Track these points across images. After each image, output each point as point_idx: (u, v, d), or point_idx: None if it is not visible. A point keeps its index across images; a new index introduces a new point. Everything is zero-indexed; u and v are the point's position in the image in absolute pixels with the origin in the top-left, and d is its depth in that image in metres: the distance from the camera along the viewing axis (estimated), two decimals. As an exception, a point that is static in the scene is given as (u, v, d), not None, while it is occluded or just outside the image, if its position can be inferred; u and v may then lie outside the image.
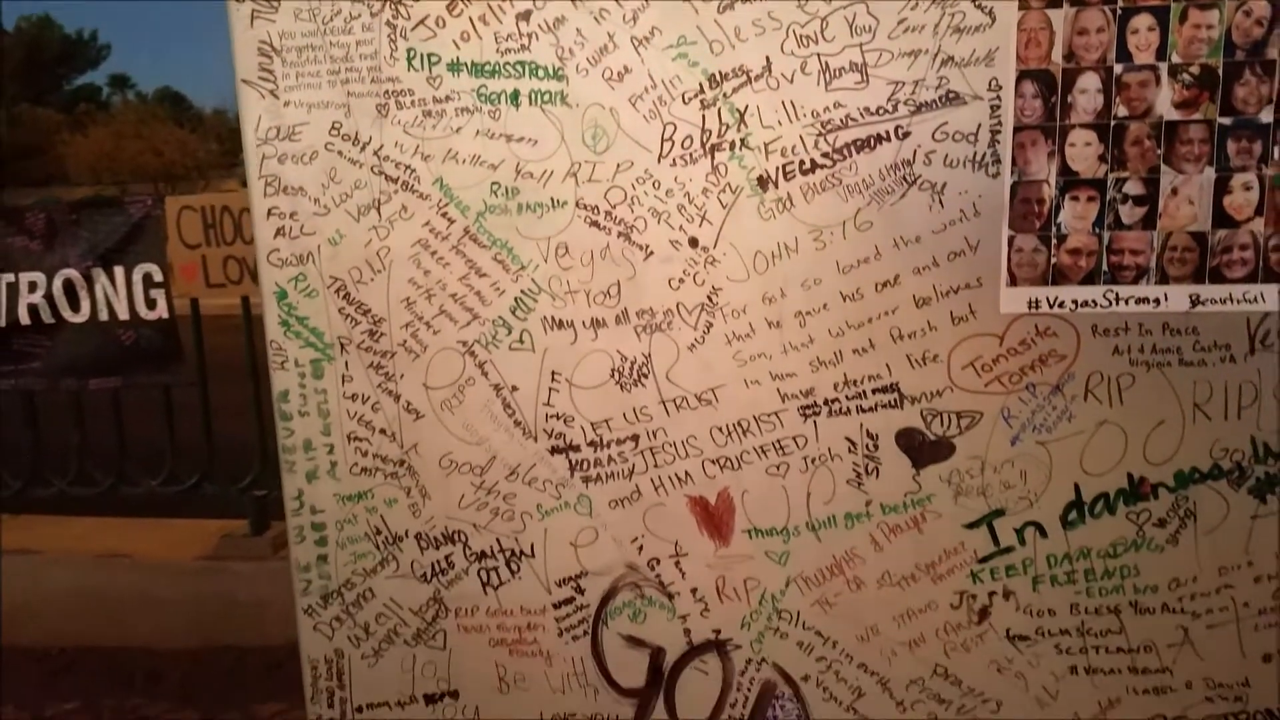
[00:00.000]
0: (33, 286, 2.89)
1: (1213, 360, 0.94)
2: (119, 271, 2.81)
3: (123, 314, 2.83)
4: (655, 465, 1.07)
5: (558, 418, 1.08)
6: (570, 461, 1.09)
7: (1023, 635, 1.01)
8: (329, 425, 1.12)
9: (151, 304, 2.86)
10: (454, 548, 1.13)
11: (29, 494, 3.29)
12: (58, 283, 2.85)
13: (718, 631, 1.08)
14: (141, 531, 3.51)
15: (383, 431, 1.11)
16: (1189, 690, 0.98)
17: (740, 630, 1.08)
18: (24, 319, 2.88)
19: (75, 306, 2.87)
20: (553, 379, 1.08)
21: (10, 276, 2.90)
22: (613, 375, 1.06)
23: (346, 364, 1.09)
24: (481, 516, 1.12)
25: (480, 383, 1.08)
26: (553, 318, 1.05)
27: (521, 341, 1.07)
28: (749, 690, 1.08)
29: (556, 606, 1.12)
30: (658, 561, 1.09)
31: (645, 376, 1.06)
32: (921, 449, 1.02)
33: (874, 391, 1.01)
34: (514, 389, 1.08)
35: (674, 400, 1.06)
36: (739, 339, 1.03)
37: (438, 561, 1.13)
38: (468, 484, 1.12)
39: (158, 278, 2.83)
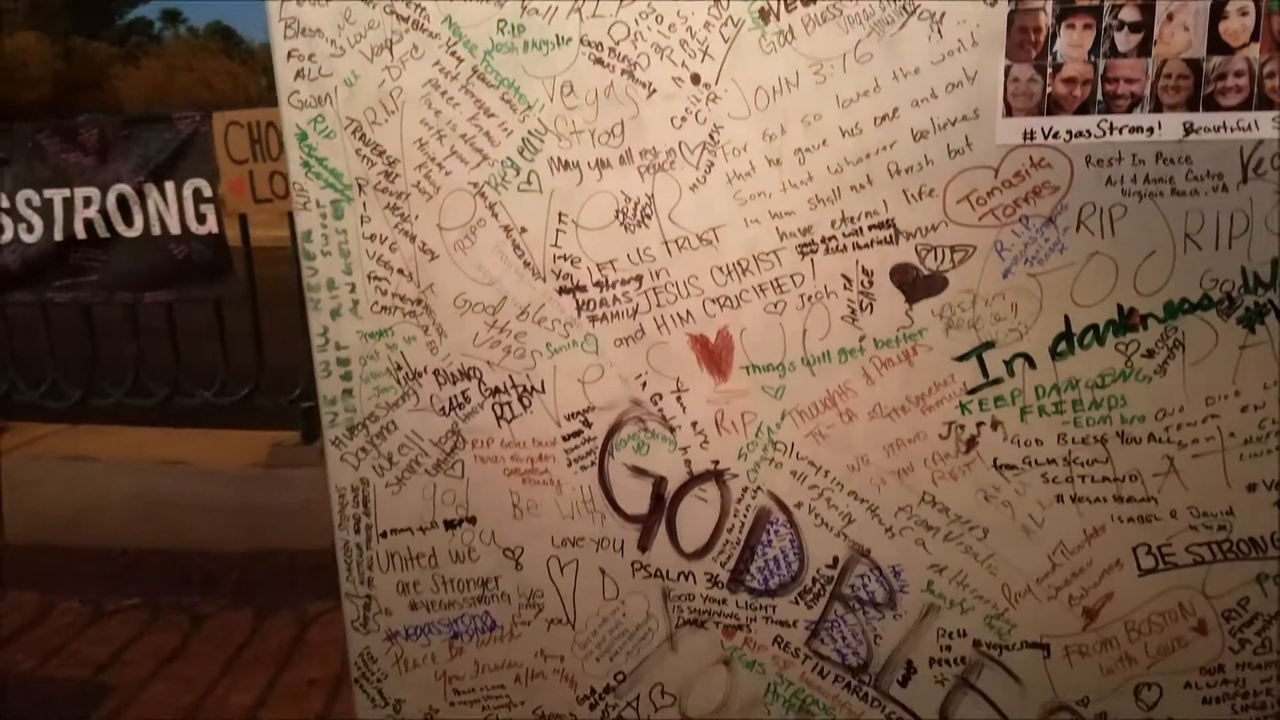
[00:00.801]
0: (88, 201, 3.00)
1: (1205, 190, 0.93)
2: (169, 187, 2.90)
3: (174, 229, 2.93)
4: (658, 305, 1.11)
5: (565, 259, 1.12)
6: (577, 301, 1.13)
7: (1010, 465, 1.03)
8: (349, 265, 1.18)
9: (201, 219, 2.95)
10: (470, 383, 1.18)
11: (88, 404, 3.47)
12: (111, 198, 2.95)
13: (716, 462, 1.13)
14: (196, 441, 3.67)
15: (400, 271, 1.17)
16: (1173, 519, 1.00)
17: (737, 461, 1.12)
18: (80, 234, 3.00)
19: (129, 221, 2.97)
20: (559, 220, 1.11)
21: (66, 191, 3.01)
22: (617, 216, 1.09)
23: (364, 205, 1.14)
24: (495, 354, 1.17)
25: (491, 224, 1.12)
26: (559, 159, 1.08)
27: (529, 183, 1.10)
28: (745, 516, 1.13)
29: (566, 439, 1.17)
30: (660, 397, 1.13)
31: (648, 217, 1.08)
32: (915, 284, 1.04)
33: (870, 228, 1.03)
34: (523, 230, 1.12)
35: (676, 241, 1.08)
36: (739, 178, 1.05)
37: (455, 396, 1.19)
38: (481, 323, 1.16)
39: (207, 193, 2.92)
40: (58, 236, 3.01)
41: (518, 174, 1.09)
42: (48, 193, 2.98)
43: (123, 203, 2.94)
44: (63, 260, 3.09)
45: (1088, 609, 1.03)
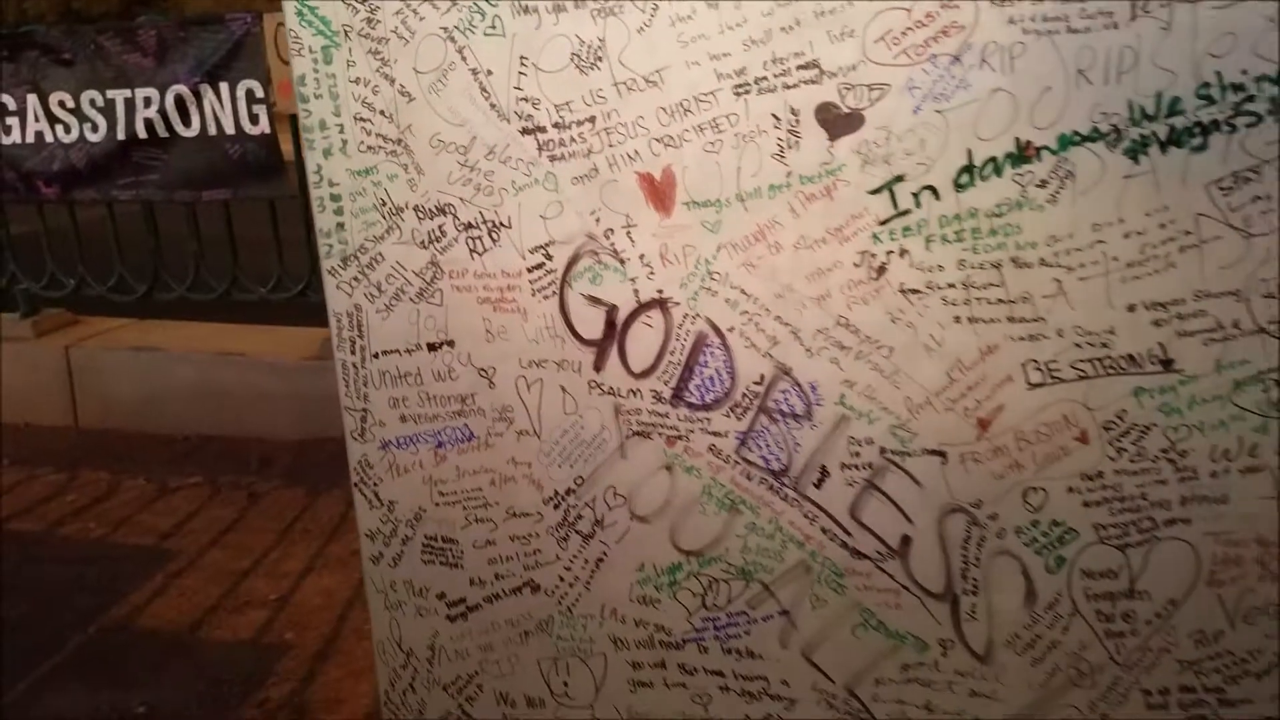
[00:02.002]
0: (147, 102, 3.13)
1: (1096, 27, 0.99)
2: (224, 88, 3.02)
3: (229, 129, 3.05)
4: (609, 145, 1.20)
5: (526, 100, 1.22)
6: (538, 142, 1.23)
7: (914, 289, 1.12)
8: (339, 107, 1.29)
9: (254, 119, 3.06)
10: (445, 218, 1.30)
11: (153, 297, 3.68)
12: (169, 98, 3.08)
13: (660, 291, 1.22)
14: (253, 335, 3.88)
15: (382, 113, 1.28)
16: (1060, 338, 1.08)
17: (679, 290, 1.22)
18: (141, 133, 3.14)
19: (186, 122, 3.11)
20: (521, 63, 1.21)
21: (127, 92, 3.14)
22: (572, 59, 1.19)
23: (350, 50, 1.25)
24: (466, 191, 1.28)
25: (460, 67, 1.22)
26: (519, 3, 1.16)
27: (494, 27, 1.18)
28: (685, 340, 1.23)
29: (530, 270, 1.29)
30: (612, 231, 1.23)
31: (600, 60, 1.17)
32: (836, 121, 1.12)
33: (797, 69, 1.10)
34: (489, 73, 1.22)
35: (625, 82, 1.17)
36: (682, 20, 1.12)
37: (433, 230, 1.31)
38: (454, 162, 1.27)
39: (259, 94, 3.02)
40: (120, 136, 3.15)
41: (483, 18, 1.18)
42: (110, 93, 3.12)
43: (180, 103, 3.06)
44: (126, 159, 3.24)
45: (981, 420, 1.13)
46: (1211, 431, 1.04)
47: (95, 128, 3.21)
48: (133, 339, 4.02)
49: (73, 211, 3.54)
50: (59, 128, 3.23)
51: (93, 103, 3.18)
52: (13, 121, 3.28)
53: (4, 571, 2.99)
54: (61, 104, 3.21)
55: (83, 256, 3.69)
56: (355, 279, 1.33)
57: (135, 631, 2.73)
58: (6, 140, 3.30)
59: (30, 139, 3.27)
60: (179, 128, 3.12)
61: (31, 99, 3.23)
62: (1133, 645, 1.13)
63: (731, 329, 1.19)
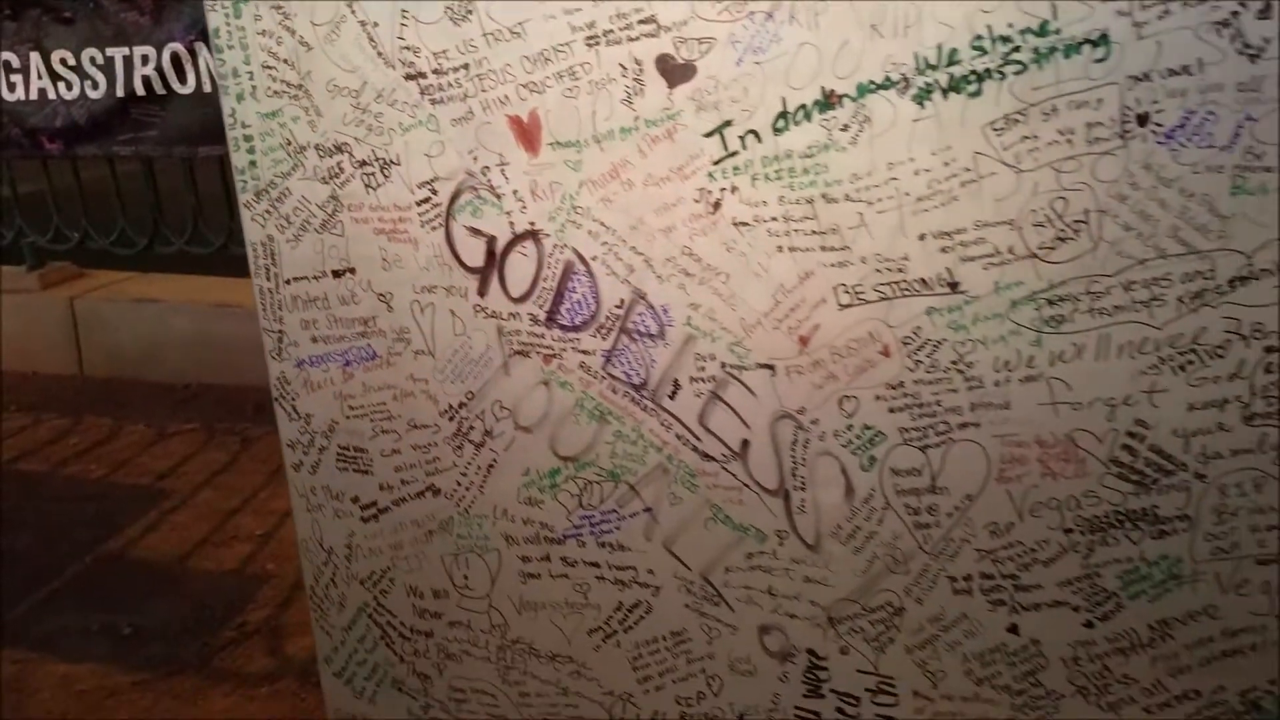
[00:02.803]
0: (145, 59, 3.25)
1: (885, -14, 1.14)
2: None
3: None
4: (483, 90, 1.36)
5: (408, 49, 1.37)
6: (420, 86, 1.39)
7: (744, 222, 1.28)
8: (248, 56, 1.44)
9: None
10: (342, 156, 1.46)
11: (153, 251, 3.83)
12: (166, 56, 3.19)
13: (532, 223, 1.39)
14: (249, 287, 4.05)
15: (285, 61, 1.42)
16: (863, 264, 1.24)
17: (549, 222, 1.39)
18: (139, 90, 3.26)
19: (183, 79, 3.22)
20: (403, 16, 1.35)
21: (125, 49, 3.26)
22: (446, 12, 1.33)
23: (257, 5, 1.40)
24: (360, 131, 1.43)
25: (350, 20, 1.36)
26: (398, -39, 1.33)
27: (376, -17, 1.35)
28: (555, 268, 1.40)
29: (418, 204, 1.45)
30: (488, 169, 1.39)
31: (470, 13, 1.31)
32: (673, 71, 1.26)
33: (638, 23, 1.24)
34: (375, 25, 1.37)
35: (493, 33, 1.31)
36: (538, -21, 1.28)
37: (332, 167, 1.47)
38: (348, 105, 1.43)
39: None
40: (120, 93, 3.27)
41: (367, -24, 1.34)
42: (110, 51, 3.23)
43: (176, 61, 3.17)
44: (125, 116, 3.36)
45: (802, 337, 1.29)
46: (993, 345, 1.21)
47: (95, 85, 3.32)
48: (135, 291, 4.20)
49: (75, 168, 3.67)
50: (61, 85, 3.35)
51: (93, 60, 3.28)
52: (16, 79, 3.39)
53: (8, 508, 3.24)
54: (63, 61, 3.31)
55: (86, 211, 3.85)
56: (267, 212, 1.50)
57: (128, 562, 2.97)
58: (11, 97, 3.42)
59: (34, 95, 3.39)
60: (175, 85, 3.22)
61: (34, 56, 3.34)
62: (938, 536, 1.31)
63: (595, 258, 1.36)
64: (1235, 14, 1.02)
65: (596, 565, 1.51)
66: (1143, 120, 1.08)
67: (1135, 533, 1.22)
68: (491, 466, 1.51)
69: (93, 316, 4.14)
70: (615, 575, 1.50)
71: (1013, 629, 1.31)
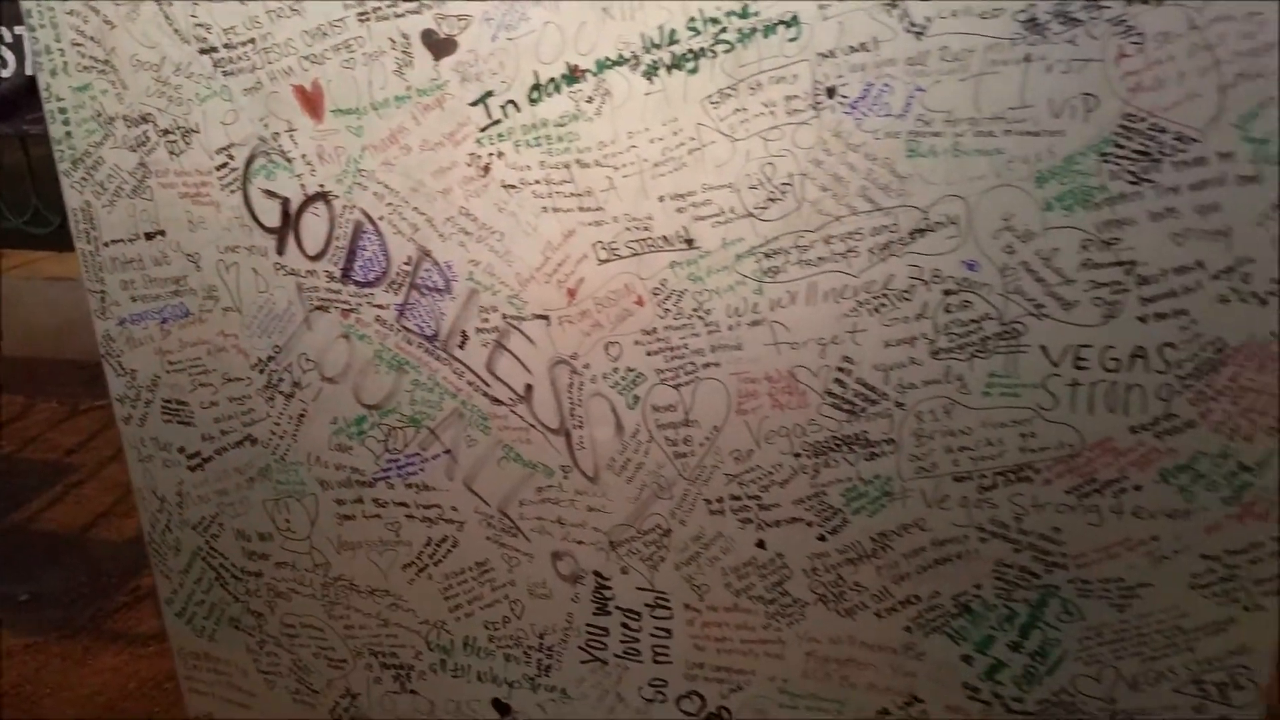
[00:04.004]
0: None
1: (611, -28, 1.30)
2: None
3: None
4: (269, 62, 1.48)
5: (201, 25, 1.49)
6: (213, 60, 1.50)
7: (512, 185, 1.43)
8: (59, 34, 1.54)
9: None
10: (147, 126, 1.58)
11: (66, 230, 3.84)
12: None
13: (322, 185, 1.53)
14: None
15: (92, 38, 1.53)
16: (615, 223, 1.39)
17: (337, 184, 1.52)
18: None
19: None
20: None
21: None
22: (231, -9, 1.47)
23: (57, -15, 1.51)
24: (161, 102, 1.55)
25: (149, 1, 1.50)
26: (181, -56, 1.45)
27: (164, -36, 1.47)
28: (346, 228, 1.54)
29: (218, 169, 1.57)
30: (278, 135, 1.52)
31: (253, -8, 1.46)
32: (437, 45, 1.41)
33: (403, 1, 1.40)
34: (170, 3, 1.49)
35: (275, 10, 1.45)
36: (311, -39, 1.42)
37: (138, 136, 1.58)
38: (150, 78, 1.54)
39: None
40: (29, 71, 3.25)
41: (154, -43, 1.45)
42: (17, 29, 3.22)
43: None
44: (35, 94, 3.34)
45: (569, 290, 1.46)
46: (725, 294, 1.39)
47: (4, 63, 3.31)
48: (51, 270, 4.20)
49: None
50: (-30, 63, 3.32)
51: (1, 38, 3.27)
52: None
53: (-84, 485, 3.26)
54: (-27, 39, 3.29)
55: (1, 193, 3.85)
56: (83, 179, 1.61)
57: (31, 533, 3.07)
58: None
59: None
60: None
61: None
62: (693, 464, 1.49)
63: (381, 217, 1.50)
64: (899, -1, 1.20)
65: (405, 505, 1.67)
66: (831, 92, 1.26)
67: (851, 455, 1.42)
68: (302, 416, 1.66)
69: (11, 296, 4.15)
70: (423, 513, 1.66)
71: (760, 544, 1.50)
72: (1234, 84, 1.11)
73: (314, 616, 1.80)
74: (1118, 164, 1.17)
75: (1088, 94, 1.16)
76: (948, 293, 1.30)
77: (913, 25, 1.20)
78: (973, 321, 1.30)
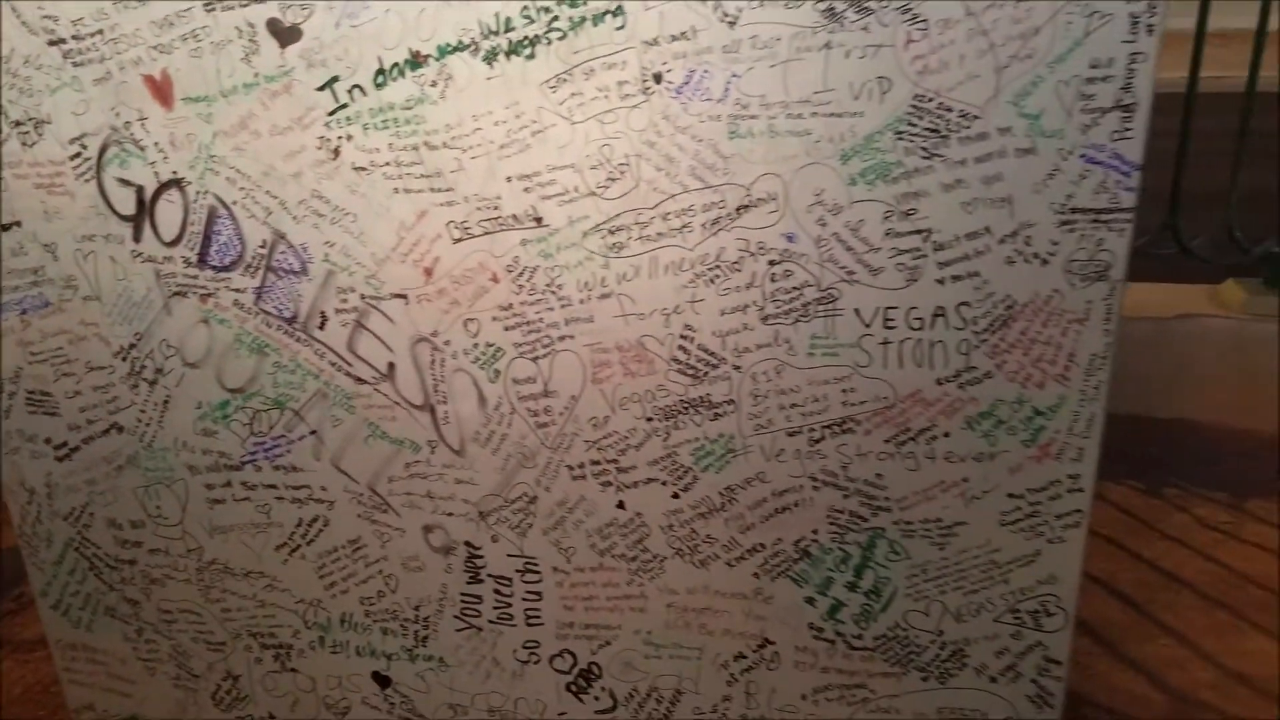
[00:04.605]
0: None
1: (445, -37, 1.38)
2: None
3: None
4: (118, 52, 1.51)
5: (49, 18, 1.50)
6: (62, 51, 1.53)
7: (362, 167, 1.50)
8: (-118, 20, 1.56)
9: None
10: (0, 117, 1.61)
11: None
12: None
13: (175, 172, 1.57)
14: None
15: (-77, 26, 1.56)
16: (467, 203, 1.48)
17: (189, 170, 1.57)
18: None
19: None
20: (32, -16, 1.51)
21: None
22: (73, -19, 1.50)
23: (-121, -31, 1.52)
24: (13, 94, 1.56)
25: (-19, -13, 1.52)
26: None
27: (1, -47, 1.49)
28: (201, 213, 1.58)
29: (71, 159, 1.59)
30: (130, 124, 1.55)
31: (95, -19, 1.49)
32: (282, 33, 1.47)
33: (249, -8, 1.46)
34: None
35: (122, 2, 1.49)
36: (153, -49, 1.46)
37: (-15, 127, 1.61)
38: (4, 71, 1.58)
39: None
40: None
41: (-10, -54, 1.47)
42: None
43: None
44: None
45: (426, 269, 1.54)
46: (575, 269, 1.48)
47: None
48: None
49: None
50: None
51: None
52: None
53: None
54: None
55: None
56: (-75, 170, 1.61)
57: None
58: None
59: None
60: None
61: None
62: (554, 432, 1.59)
63: (235, 202, 1.55)
64: (714, -10, 1.31)
65: (274, 487, 1.72)
66: (658, 78, 1.36)
67: (698, 417, 1.53)
68: (167, 402, 1.70)
69: None
70: (292, 494, 1.72)
71: (620, 505, 1.61)
72: (1008, 65, 1.26)
73: (190, 601, 1.84)
74: (911, 141, 1.31)
75: (882, 77, 1.29)
76: (772, 263, 1.42)
77: (726, 16, 1.32)
78: (795, 289, 1.43)
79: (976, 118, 1.28)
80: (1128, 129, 1.24)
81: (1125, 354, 3.24)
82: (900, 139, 1.31)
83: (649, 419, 1.55)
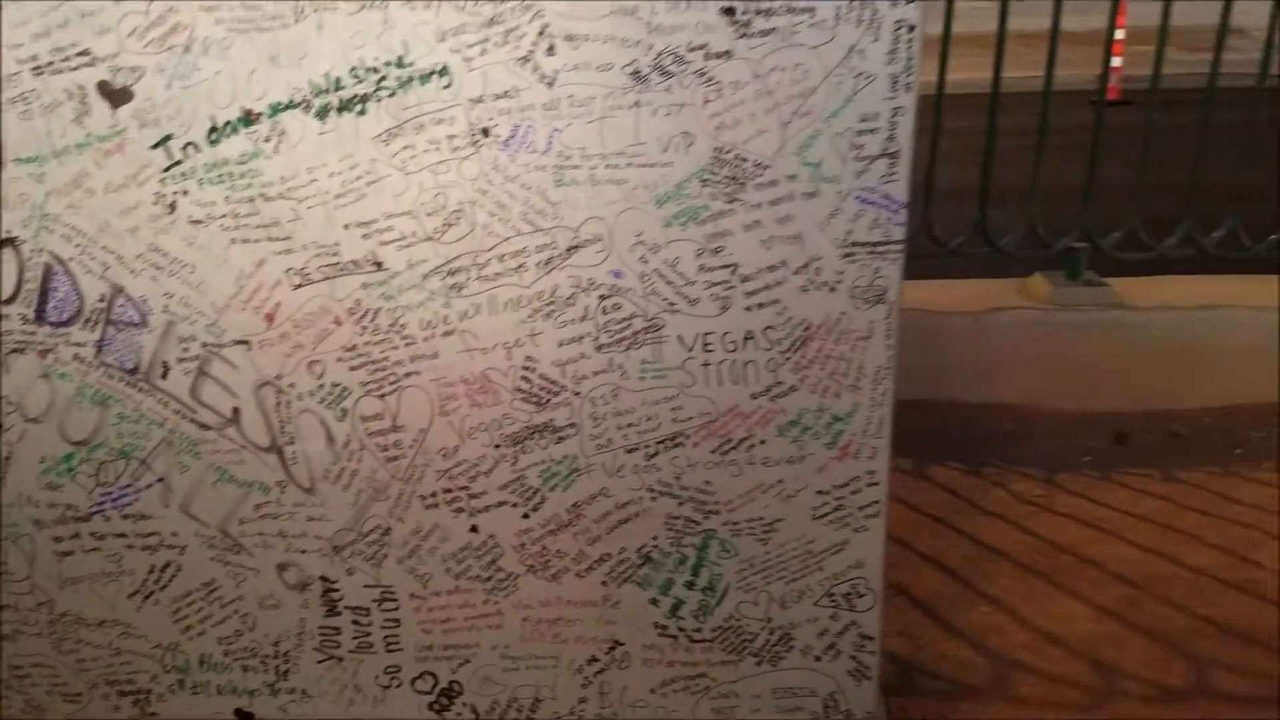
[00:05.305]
0: None
1: (276, 27, 1.46)
2: None
3: None
4: (-65, 111, 1.55)
5: None
6: None
7: (199, 220, 1.55)
8: None
9: None
10: None
11: None
12: None
13: (9, 232, 1.59)
14: None
15: None
16: (306, 250, 1.58)
17: (23, 229, 1.57)
18: None
19: None
20: None
21: None
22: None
23: None
24: None
25: None
26: None
27: None
28: (37, 270, 1.59)
29: (-114, 218, 1.61)
30: (-47, 183, 1.59)
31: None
32: (114, 95, 1.52)
33: (75, 55, 1.48)
34: None
35: (-65, 61, 1.51)
36: None
37: None
38: None
39: None
40: None
41: None
42: None
43: None
44: None
45: (268, 315, 1.61)
46: (417, 309, 1.59)
47: None
48: None
49: None
50: None
51: None
52: None
53: None
54: None
55: None
56: None
57: None
58: None
59: None
60: None
61: None
62: (405, 465, 1.69)
63: (71, 258, 1.58)
64: (530, 53, 1.46)
65: (124, 535, 1.75)
66: (486, 132, 1.50)
67: (543, 440, 1.67)
68: (9, 459, 1.70)
69: None
70: (143, 542, 1.75)
71: (473, 529, 1.73)
72: (790, 121, 1.46)
73: (43, 655, 1.83)
74: (715, 187, 1.50)
75: (686, 132, 1.47)
76: (602, 297, 1.58)
77: (544, 77, 1.47)
78: (624, 319, 1.59)
79: (768, 167, 1.48)
80: (894, 173, 1.47)
81: (945, 345, 3.60)
82: (705, 185, 1.50)
83: (497, 446, 1.68)
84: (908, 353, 3.54)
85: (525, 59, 1.46)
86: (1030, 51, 3.18)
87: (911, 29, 1.38)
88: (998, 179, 3.35)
